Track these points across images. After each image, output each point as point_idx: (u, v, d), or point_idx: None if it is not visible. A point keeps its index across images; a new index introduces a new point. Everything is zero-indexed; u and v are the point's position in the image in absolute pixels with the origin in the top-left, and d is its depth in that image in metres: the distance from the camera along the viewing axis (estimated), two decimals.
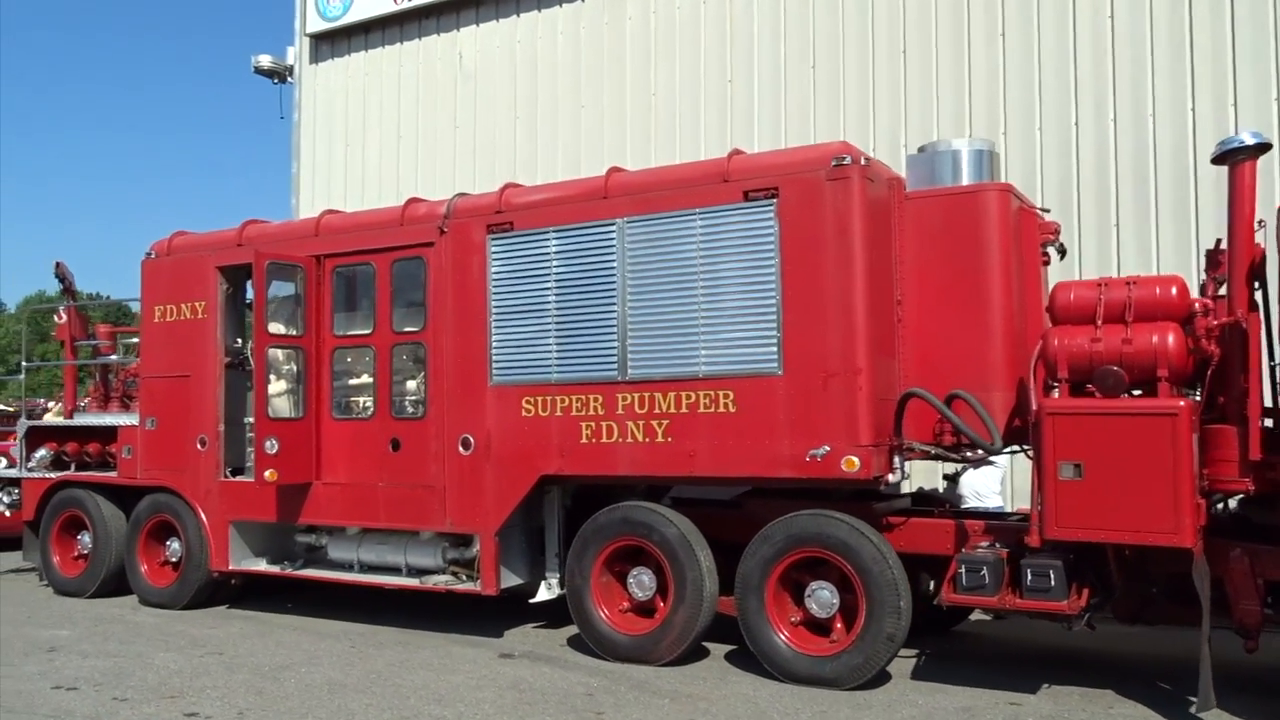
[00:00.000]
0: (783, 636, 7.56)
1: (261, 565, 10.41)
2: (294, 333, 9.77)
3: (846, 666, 7.29)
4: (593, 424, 8.33)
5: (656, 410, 8.07)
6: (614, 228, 8.29)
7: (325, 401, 9.78)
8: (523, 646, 8.78)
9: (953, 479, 9.89)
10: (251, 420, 10.43)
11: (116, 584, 11.26)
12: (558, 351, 8.52)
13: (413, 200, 9.73)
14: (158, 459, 10.79)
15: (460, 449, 8.93)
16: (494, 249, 8.85)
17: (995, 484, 9.77)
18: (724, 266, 7.85)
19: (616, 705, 6.97)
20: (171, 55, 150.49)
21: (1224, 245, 6.98)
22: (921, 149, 8.36)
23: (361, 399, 9.76)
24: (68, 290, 12.65)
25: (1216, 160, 6.82)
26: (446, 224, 9.10)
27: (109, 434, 11.45)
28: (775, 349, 7.62)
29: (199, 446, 10.47)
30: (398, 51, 15.51)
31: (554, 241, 8.57)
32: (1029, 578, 6.78)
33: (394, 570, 9.72)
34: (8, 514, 12.45)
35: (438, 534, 9.46)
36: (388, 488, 9.34)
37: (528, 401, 8.64)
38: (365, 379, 9.75)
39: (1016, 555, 7.04)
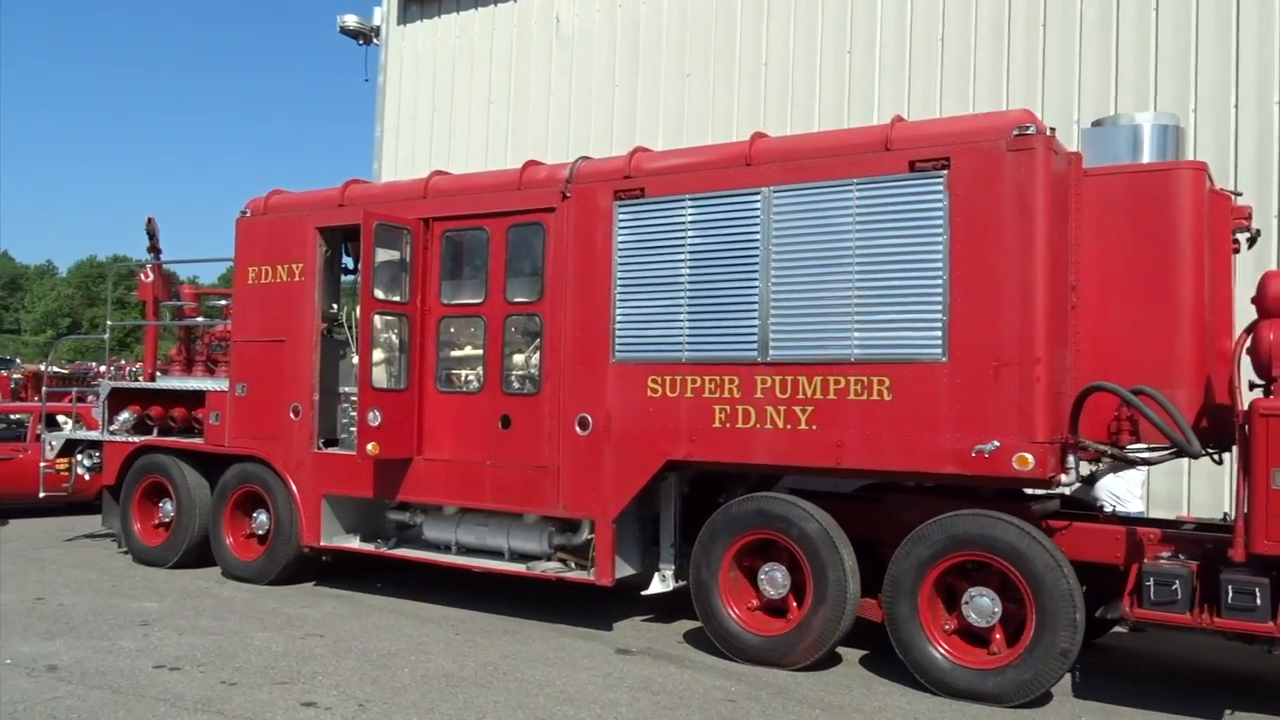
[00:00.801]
0: (940, 647, 6.96)
1: (354, 543, 9.95)
2: (398, 299, 9.25)
3: (1013, 682, 6.68)
4: (727, 407, 7.75)
5: (800, 395, 7.47)
6: (759, 197, 7.68)
7: (429, 373, 9.28)
8: (638, 642, 8.25)
9: (1088, 480, 9.20)
10: (348, 390, 9.99)
11: (198, 555, 10.89)
12: (690, 328, 7.94)
13: (531, 163, 9.16)
14: (247, 427, 10.36)
15: (577, 429, 8.39)
16: (622, 216, 8.27)
17: (1136, 488, 9.10)
18: (883, 242, 7.22)
19: (764, 714, 6.42)
20: (255, 12, 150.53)
21: None
22: (1098, 123, 7.67)
23: (468, 372, 9.24)
24: (154, 248, 12.24)
25: None
26: (569, 189, 8.53)
27: (195, 399, 11.05)
28: (940, 334, 6.99)
29: (292, 415, 10.02)
30: (491, 14, 14.96)
31: (690, 210, 7.98)
32: (1230, 595, 6.13)
33: (495, 554, 9.23)
34: (86, 477, 12.09)
35: (543, 518, 8.95)
36: (495, 467, 8.83)
37: (654, 381, 8.07)
38: (473, 351, 9.23)
39: (1204, 569, 6.41)
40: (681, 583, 8.56)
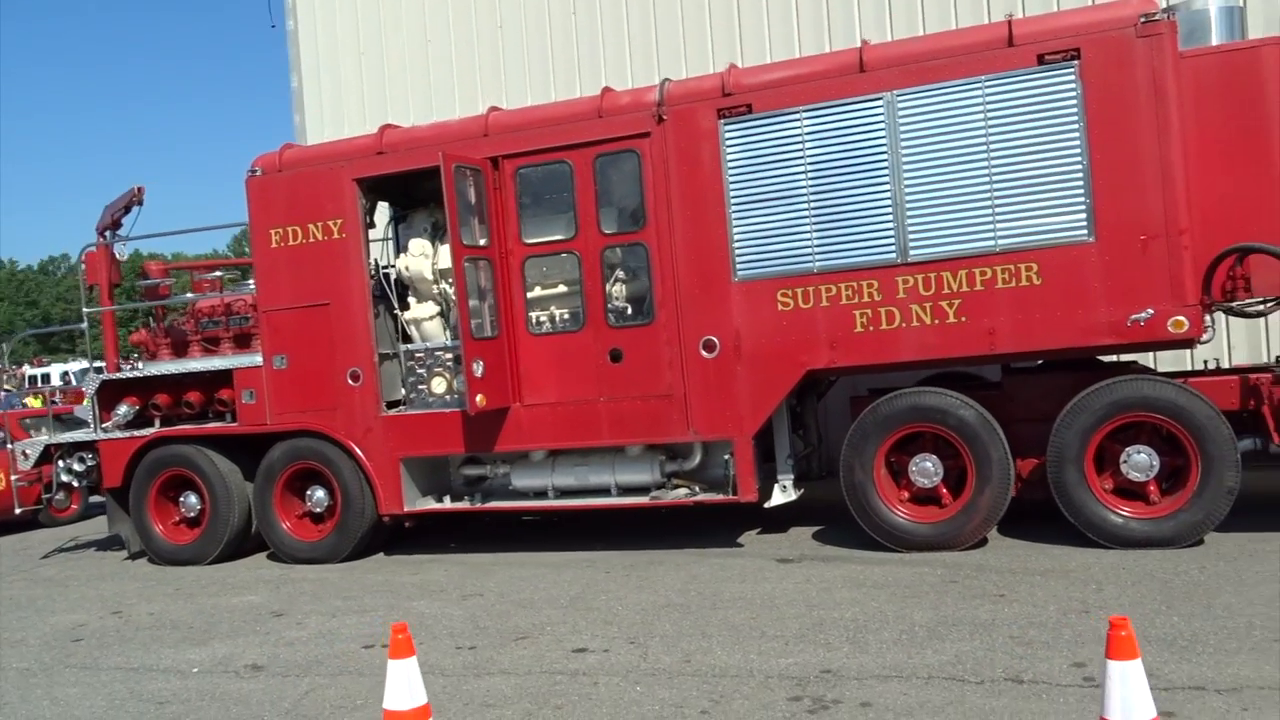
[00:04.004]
0: (1109, 506, 7.53)
1: (436, 504, 9.56)
2: (483, 244, 8.85)
3: (1185, 524, 7.35)
4: (869, 311, 7.97)
5: (946, 290, 7.79)
6: (881, 102, 7.85)
7: (519, 317, 8.97)
8: (782, 551, 8.44)
9: None
10: (408, 348, 9.51)
11: (237, 547, 10.17)
12: (818, 239, 8.06)
13: (608, 90, 8.91)
14: (294, 400, 9.68)
15: (703, 352, 8.39)
16: (729, 134, 8.24)
17: None
18: (1017, 135, 7.57)
19: (1006, 585, 6.79)
20: None
21: None
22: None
23: (563, 310, 8.99)
24: (116, 224, 11.03)
25: None
26: (664, 111, 8.39)
27: (214, 379, 10.18)
28: (1086, 216, 7.44)
29: (351, 382, 9.45)
30: None
31: (806, 121, 8.04)
32: None
33: (600, 492, 9.15)
34: (76, 485, 10.92)
35: (648, 448, 8.94)
36: (610, 402, 8.70)
37: (784, 295, 8.17)
38: (566, 289, 8.98)
39: None
40: (802, 491, 8.82)
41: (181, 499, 10.38)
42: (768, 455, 8.79)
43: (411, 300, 9.69)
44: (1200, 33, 7.95)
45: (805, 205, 8.09)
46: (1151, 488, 7.56)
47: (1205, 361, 9.02)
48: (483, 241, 8.84)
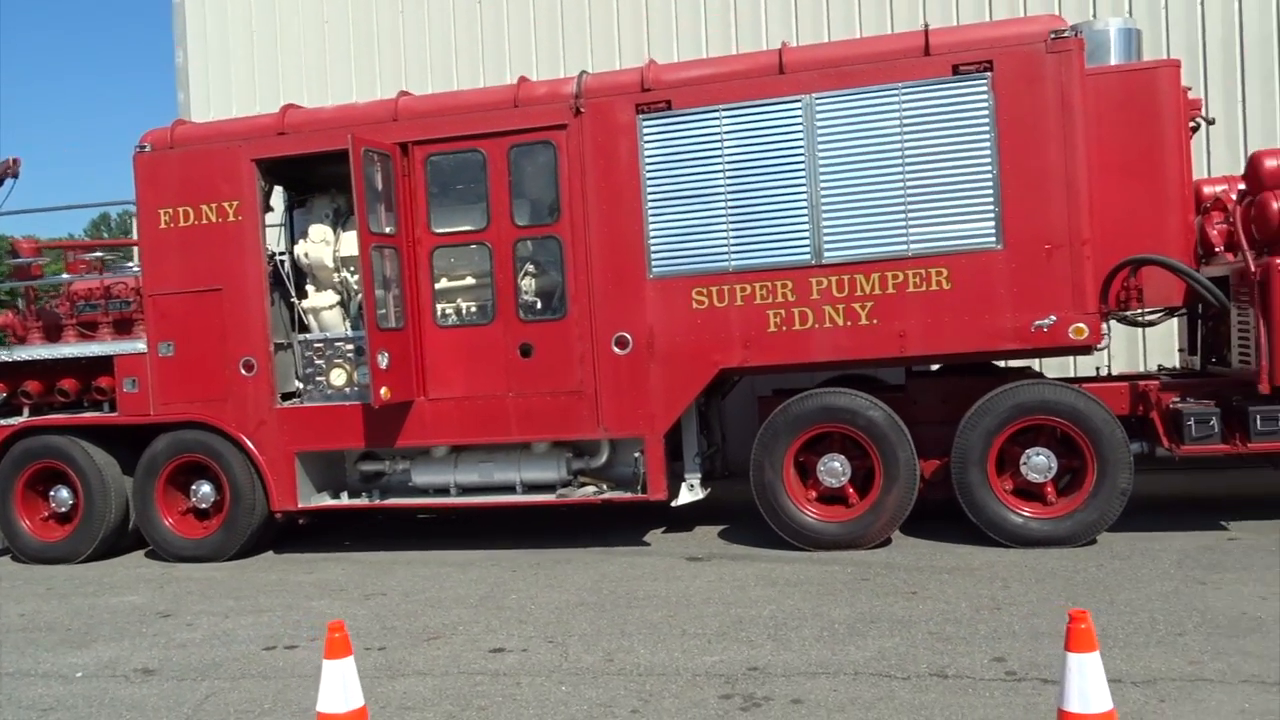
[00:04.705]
0: (1010, 506, 7.76)
1: (342, 499, 9.21)
2: (388, 231, 8.55)
3: (1082, 523, 7.63)
4: (783, 311, 8.01)
5: (858, 292, 7.90)
6: (800, 104, 7.91)
7: (426, 308, 8.71)
8: (690, 550, 8.42)
9: None
10: (305, 338, 9.14)
11: (113, 544, 9.59)
12: (734, 238, 8.07)
13: (524, 80, 8.73)
14: (181, 390, 9.19)
15: (615, 349, 8.30)
16: (647, 130, 8.18)
17: None
18: (930, 142, 7.73)
19: (917, 583, 6.90)
20: None
21: None
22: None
23: (473, 303, 8.77)
24: None
25: None
26: (581, 104, 8.27)
27: (92, 366, 9.58)
28: (994, 224, 7.65)
29: (243, 372, 9.02)
30: None
31: (725, 120, 8.05)
32: (1259, 423, 7.38)
33: (505, 490, 8.96)
34: None
35: (555, 445, 8.81)
36: (519, 398, 8.53)
37: (699, 293, 8.15)
38: (474, 280, 8.76)
39: (1220, 405, 7.62)
40: (709, 490, 8.82)
41: (52, 493, 9.73)
42: (673, 454, 8.75)
43: (310, 288, 9.31)
44: (1100, 52, 8.25)
45: (722, 204, 8.09)
46: (1049, 489, 7.82)
47: (1097, 369, 9.38)
48: (390, 230, 8.54)
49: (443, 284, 8.76)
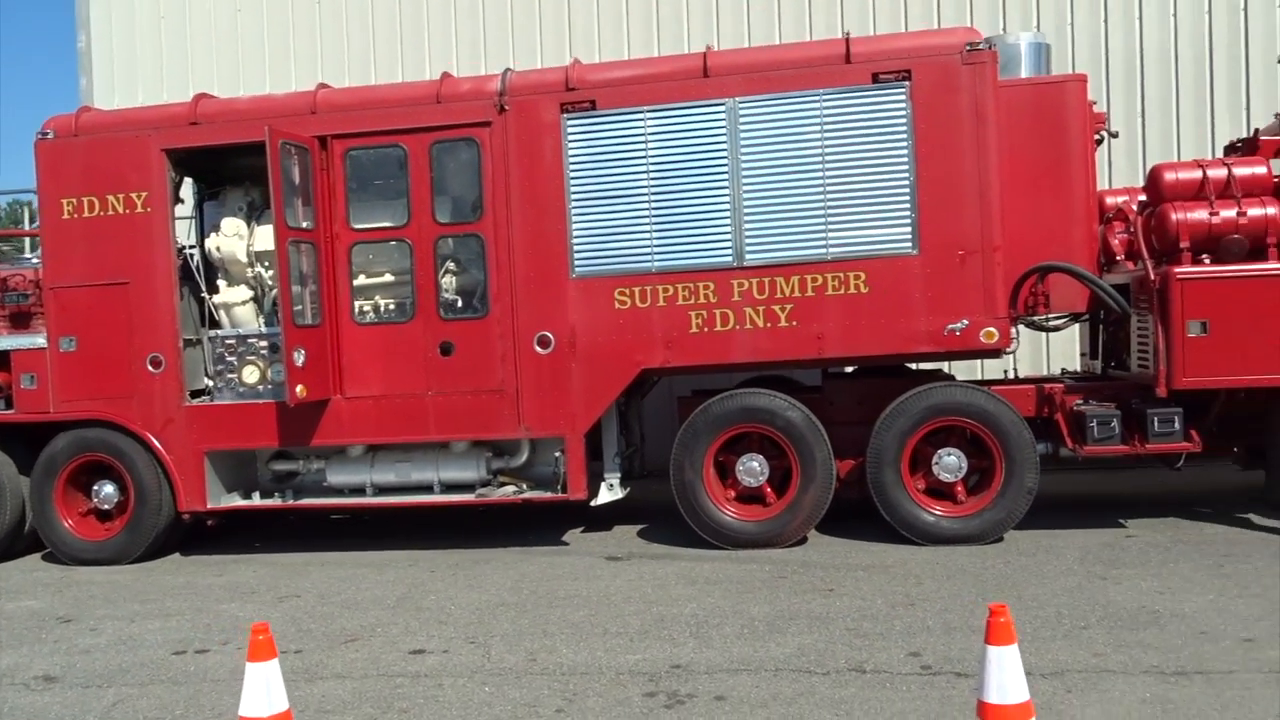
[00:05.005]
0: (922, 505, 7.95)
1: (253, 500, 8.99)
2: (305, 226, 8.38)
3: (990, 522, 7.87)
4: (704, 313, 8.09)
5: (779, 295, 8.01)
6: (724, 108, 7.99)
7: (344, 305, 8.56)
8: (609, 549, 8.43)
9: None
10: (216, 334, 8.90)
11: (7, 548, 9.21)
12: (658, 239, 8.12)
13: (447, 75, 8.64)
14: (83, 387, 8.87)
15: (537, 348, 8.28)
16: (572, 129, 8.17)
17: None
18: (850, 148, 7.89)
19: (833, 580, 7.03)
20: None
21: (1263, 135, 8.23)
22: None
23: (392, 300, 8.65)
24: None
25: None
26: (505, 102, 8.23)
27: None
28: (911, 230, 7.84)
29: (151, 368, 8.75)
30: None
31: (650, 122, 8.09)
32: (1156, 425, 7.70)
33: (422, 489, 8.86)
34: None
35: (474, 444, 8.75)
36: (439, 396, 8.44)
37: (621, 293, 8.18)
38: (393, 277, 8.64)
39: (1120, 408, 7.94)
40: (628, 489, 8.86)
41: None
42: (593, 454, 8.76)
43: (221, 283, 9.07)
44: (1012, 65, 8.51)
45: (646, 205, 8.13)
46: (959, 488, 8.04)
47: (1005, 371, 9.67)
48: (307, 224, 8.38)
49: (361, 281, 8.62)
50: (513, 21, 12.48)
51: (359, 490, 8.96)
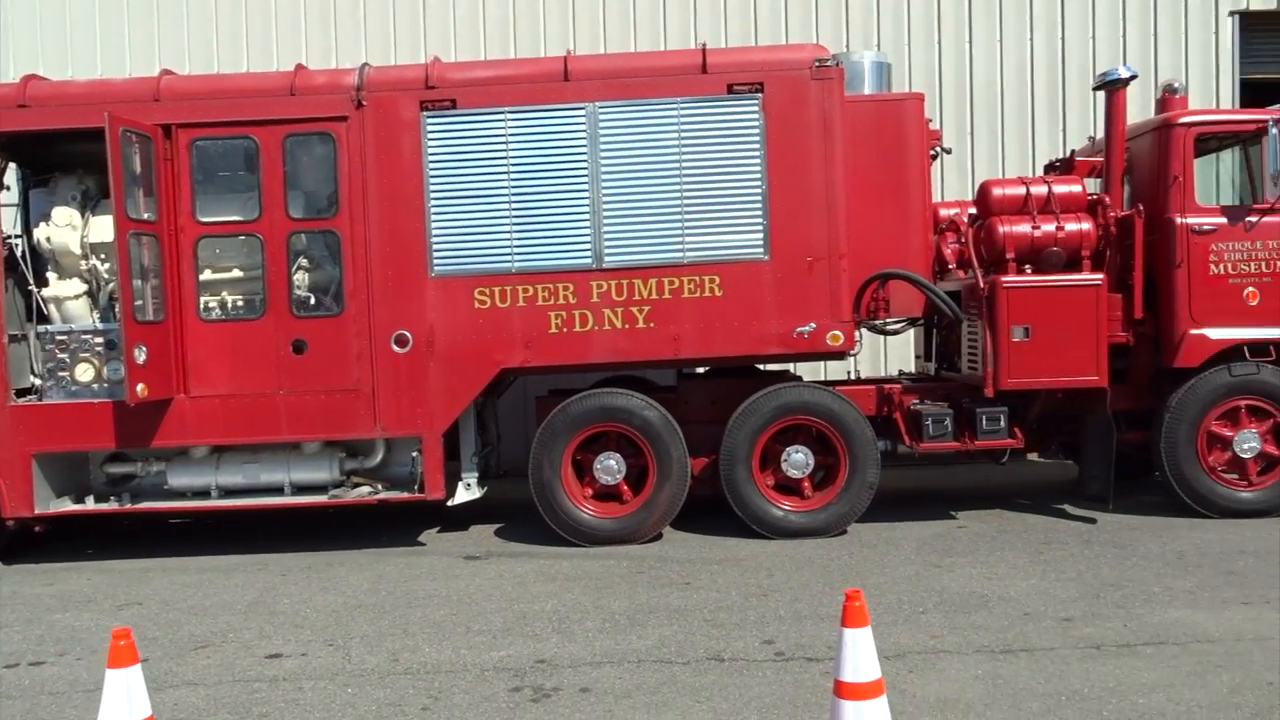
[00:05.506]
0: (772, 500, 8.28)
1: (87, 504, 8.54)
2: (147, 218, 8.04)
3: (835, 515, 8.27)
4: (564, 313, 8.20)
5: (637, 297, 8.20)
6: (584, 112, 8.12)
7: (190, 301, 8.25)
8: (467, 548, 8.43)
9: None
10: (46, 329, 8.44)
11: None
12: (518, 239, 8.18)
13: (301, 68, 8.44)
14: None
15: (395, 347, 8.20)
16: (431, 128, 8.14)
17: None
18: (707, 156, 8.14)
19: (689, 574, 7.25)
20: None
21: (1078, 156, 8.96)
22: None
23: (242, 296, 8.39)
24: None
25: (1098, 88, 8.69)
26: (363, 97, 8.12)
27: None
28: (762, 236, 8.16)
29: None
30: None
31: (511, 123, 8.13)
32: (984, 422, 8.28)
33: (272, 491, 8.64)
34: None
35: (327, 444, 8.61)
36: (291, 395, 8.25)
37: (481, 293, 8.20)
38: (241, 273, 8.38)
39: (952, 407, 8.49)
40: (485, 489, 8.88)
41: None
42: (449, 453, 8.73)
43: (51, 276, 8.59)
44: (856, 82, 8.92)
45: (506, 205, 8.17)
46: (806, 484, 8.41)
47: (848, 373, 10.15)
48: (149, 216, 8.04)
49: (208, 276, 8.33)
50: (366, 18, 12.25)
51: (203, 493, 8.65)
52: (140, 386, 7.78)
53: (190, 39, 12.31)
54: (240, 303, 8.39)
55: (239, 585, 7.52)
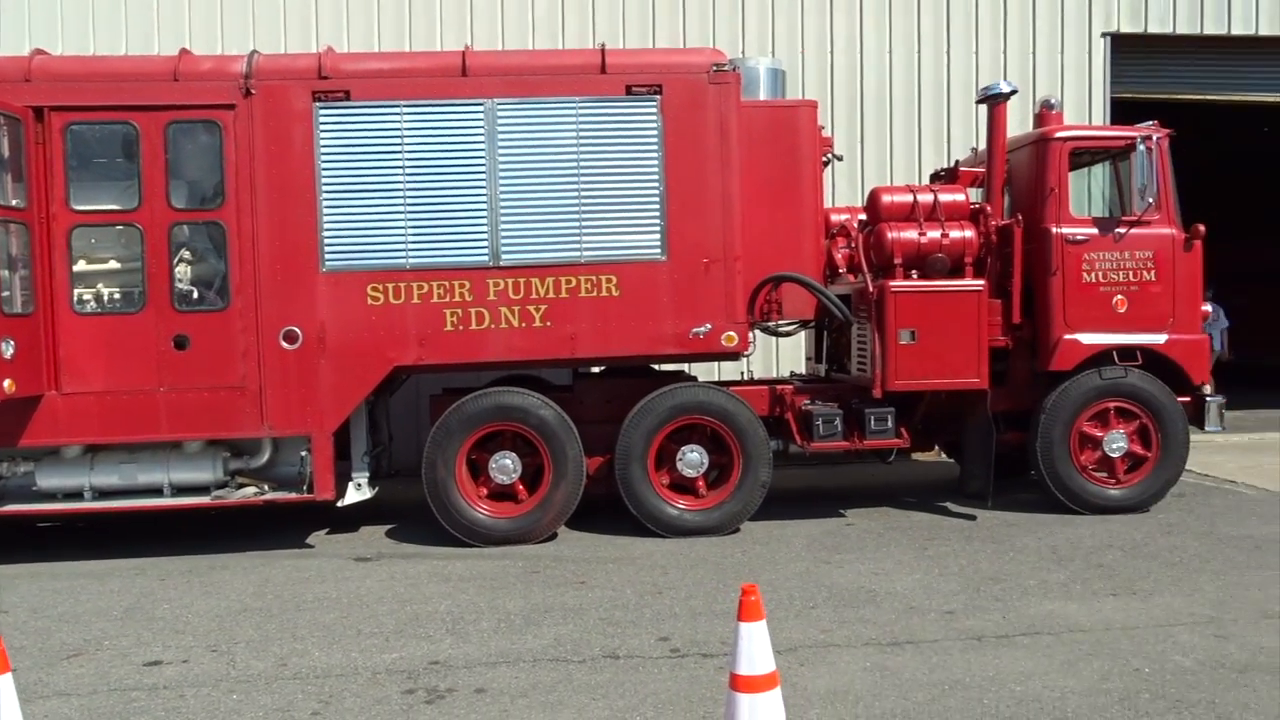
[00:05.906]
0: (667, 499, 8.35)
1: None
2: (14, 204, 7.64)
3: (729, 514, 8.39)
4: (459, 311, 8.11)
5: (534, 295, 8.16)
6: (482, 108, 8.05)
7: (62, 293, 7.87)
8: (357, 550, 8.27)
9: None
10: None
11: None
12: (413, 235, 8.05)
13: (186, 52, 8.14)
14: None
15: (283, 343, 7.98)
16: (324, 119, 7.95)
17: None
18: (605, 156, 8.16)
19: (585, 573, 7.25)
20: None
21: (962, 166, 9.31)
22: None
23: (119, 289, 8.04)
24: None
25: (981, 101, 9.02)
26: (252, 85, 7.88)
27: None
28: (659, 236, 8.22)
29: None
30: None
31: (407, 116, 8.01)
32: (872, 423, 8.50)
33: (150, 493, 8.31)
34: None
35: (209, 444, 8.33)
36: (172, 392, 7.95)
37: (375, 289, 8.05)
38: (119, 265, 8.04)
39: (842, 408, 8.71)
40: (376, 489, 8.72)
41: None
42: (339, 453, 8.54)
43: None
44: (752, 88, 9.05)
45: (401, 201, 8.04)
46: (701, 483, 8.51)
47: (741, 374, 10.30)
48: (17, 203, 7.64)
49: (82, 266, 7.97)
50: (254, 4, 11.89)
51: (75, 494, 8.26)
52: (7, 382, 7.38)
53: (64, 20, 11.75)
54: (118, 295, 8.04)
55: (114, 591, 7.20)
